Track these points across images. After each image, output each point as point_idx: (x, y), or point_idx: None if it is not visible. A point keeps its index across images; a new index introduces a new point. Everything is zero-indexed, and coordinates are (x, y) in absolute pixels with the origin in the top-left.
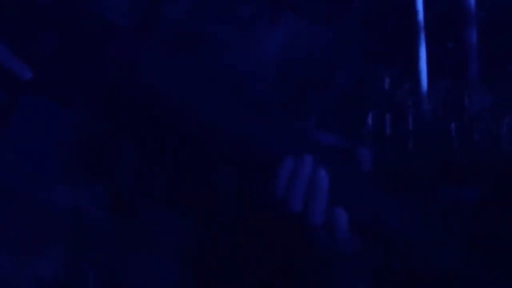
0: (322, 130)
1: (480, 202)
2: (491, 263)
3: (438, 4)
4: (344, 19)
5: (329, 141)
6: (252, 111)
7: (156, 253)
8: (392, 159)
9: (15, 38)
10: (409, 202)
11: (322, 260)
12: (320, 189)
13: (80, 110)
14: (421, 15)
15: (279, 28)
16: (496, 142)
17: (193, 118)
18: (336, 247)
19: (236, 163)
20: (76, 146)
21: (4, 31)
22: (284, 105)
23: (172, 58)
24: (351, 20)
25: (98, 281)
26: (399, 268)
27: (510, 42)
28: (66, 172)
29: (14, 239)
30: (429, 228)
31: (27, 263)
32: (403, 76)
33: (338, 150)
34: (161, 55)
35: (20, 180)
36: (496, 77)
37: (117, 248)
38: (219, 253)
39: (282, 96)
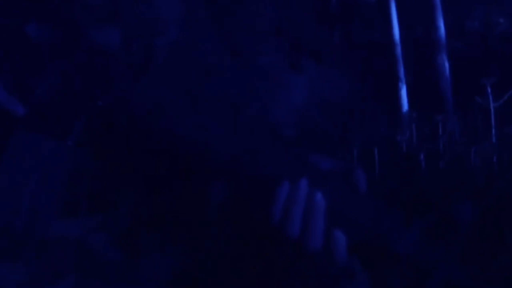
0: (317, 153)
1: (476, 219)
2: (489, 278)
3: (413, 36)
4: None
5: (324, 164)
6: (250, 135)
7: (157, 280)
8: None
9: (8, 74)
10: (407, 221)
11: (319, 283)
12: (317, 213)
13: (75, 143)
14: (399, 48)
15: (300, 74)
16: (469, 169)
17: (187, 141)
18: (334, 269)
19: (232, 188)
20: (74, 179)
21: None
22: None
23: (167, 90)
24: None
25: None
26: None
27: (479, 72)
28: (67, 204)
29: (23, 274)
30: (428, 246)
31: None
32: (383, 108)
33: (333, 172)
34: (157, 89)
35: (21, 216)
36: (467, 107)
37: (123, 275)
38: (216, 277)
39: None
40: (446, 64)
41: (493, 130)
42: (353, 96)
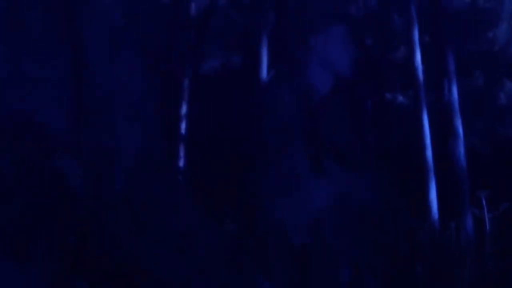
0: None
1: None
2: None
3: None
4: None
5: None
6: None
7: None
8: None
9: None
10: None
11: None
12: None
13: (39, 268)
14: (429, 152)
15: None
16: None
17: (146, 272)
18: None
19: None
20: None
21: None
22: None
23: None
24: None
25: None
26: None
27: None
28: None
29: None
30: None
31: None
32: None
33: None
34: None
35: None
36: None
37: None
38: None
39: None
40: (465, 173)
41: (487, 241)
42: (376, 201)
